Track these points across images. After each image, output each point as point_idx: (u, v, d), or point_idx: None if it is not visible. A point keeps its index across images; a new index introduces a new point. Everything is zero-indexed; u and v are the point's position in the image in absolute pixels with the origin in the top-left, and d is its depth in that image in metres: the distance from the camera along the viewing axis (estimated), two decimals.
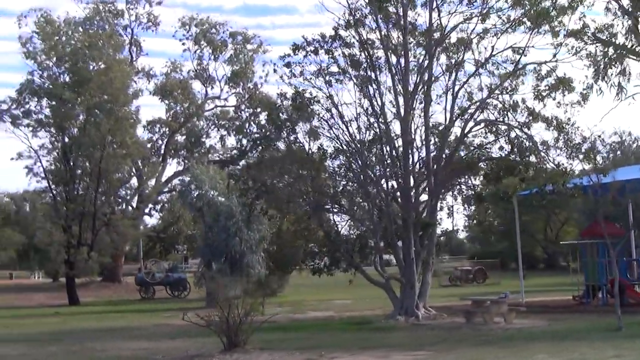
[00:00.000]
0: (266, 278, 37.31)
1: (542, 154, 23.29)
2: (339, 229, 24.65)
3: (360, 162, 24.72)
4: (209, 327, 14.94)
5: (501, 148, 24.71)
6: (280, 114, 24.73)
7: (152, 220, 55.03)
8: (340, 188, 24.39)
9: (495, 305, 20.87)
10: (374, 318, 23.91)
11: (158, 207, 50.93)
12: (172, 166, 49.69)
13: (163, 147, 49.14)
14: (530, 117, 23.85)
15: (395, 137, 24.69)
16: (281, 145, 25.66)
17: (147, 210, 49.87)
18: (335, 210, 24.78)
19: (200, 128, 50.62)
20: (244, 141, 25.50)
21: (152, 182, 48.19)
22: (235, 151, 25.96)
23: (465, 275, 46.60)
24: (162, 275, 41.80)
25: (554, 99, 23.79)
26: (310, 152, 24.88)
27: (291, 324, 23.88)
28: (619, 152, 40.69)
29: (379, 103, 24.58)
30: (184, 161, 49.00)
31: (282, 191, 25.02)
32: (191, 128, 49.53)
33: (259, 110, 40.89)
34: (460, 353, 13.62)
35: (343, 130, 24.88)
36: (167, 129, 48.66)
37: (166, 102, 48.13)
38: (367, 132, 24.80)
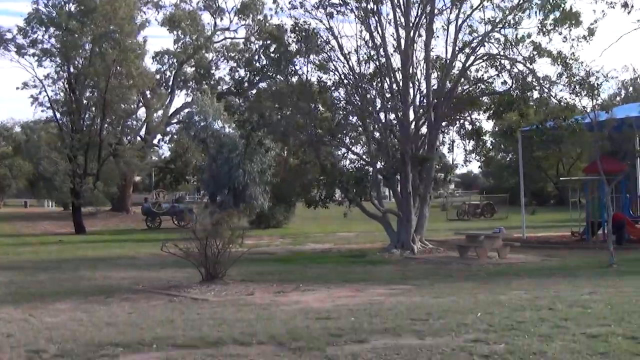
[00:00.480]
0: (269, 210, 37.44)
1: (545, 89, 22.76)
2: (336, 162, 24.35)
3: (359, 95, 24.31)
4: (187, 258, 14.84)
5: (504, 83, 24.20)
6: (281, 46, 24.21)
7: (162, 151, 54.93)
8: (337, 120, 23.98)
9: (489, 240, 20.69)
10: (370, 251, 23.86)
11: (167, 138, 50.83)
12: (181, 98, 49.37)
13: (171, 78, 48.71)
14: (535, 52, 23.20)
15: (395, 71, 24.17)
16: (281, 77, 25.24)
17: (155, 142, 49.85)
18: (332, 143, 24.45)
19: (210, 60, 50.04)
20: (242, 72, 25.15)
21: (160, 113, 47.98)
22: (232, 82, 25.32)
23: (473, 210, 46.47)
24: (168, 206, 41.94)
25: (560, 33, 23.16)
26: (309, 84, 24.45)
27: (286, 256, 23.90)
28: (631, 89, 39.85)
29: (380, 35, 24.04)
30: (192, 93, 48.58)
31: (280, 123, 24.73)
32: (200, 60, 48.97)
33: (269, 42, 40.26)
34: (438, 288, 13.46)
35: (343, 63, 24.43)
36: (176, 61, 48.14)
37: (175, 33, 47.51)
38: (367, 65, 24.30)
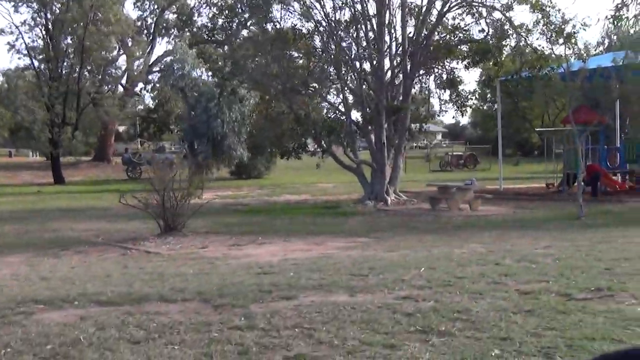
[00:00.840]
0: (250, 160, 37.19)
1: (522, 37, 22.35)
2: (309, 112, 23.98)
3: (334, 43, 23.85)
4: (146, 210, 14.63)
5: (482, 31, 23.76)
6: None
7: (146, 100, 54.25)
8: (311, 69, 23.55)
9: (460, 192, 20.52)
10: (344, 203, 23.69)
11: (149, 87, 50.17)
12: (163, 46, 48.56)
13: (153, 25, 47.90)
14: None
15: (370, 18, 23.68)
16: (256, 25, 24.72)
17: (137, 90, 49.22)
18: (306, 92, 24.05)
19: (192, 6, 49.09)
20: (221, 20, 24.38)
21: (142, 61, 47.25)
22: (204, 30, 24.74)
23: (456, 161, 46.33)
24: (147, 156, 41.55)
25: None
26: (283, 31, 23.95)
27: (259, 207, 23.77)
28: (614, 37, 39.26)
29: None
30: (174, 40, 47.77)
31: (254, 72, 24.29)
32: (182, 6, 48.03)
33: None
34: (398, 241, 13.32)
35: (318, 10, 23.93)
36: (157, 7, 47.25)
37: None
38: (342, 12, 23.82)
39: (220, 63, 24.20)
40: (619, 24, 9.08)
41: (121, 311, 6.63)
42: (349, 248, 12.21)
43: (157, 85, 48.45)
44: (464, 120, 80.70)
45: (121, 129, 65.99)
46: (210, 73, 27.27)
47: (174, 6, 47.70)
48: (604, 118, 25.39)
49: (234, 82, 24.41)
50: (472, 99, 24.58)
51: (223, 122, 33.35)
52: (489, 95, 54.56)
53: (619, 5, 8.09)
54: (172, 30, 48.77)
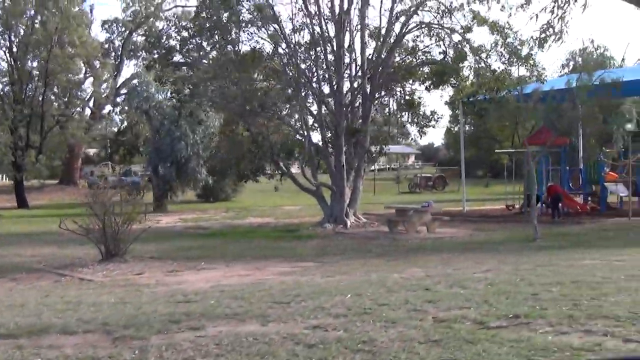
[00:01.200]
0: (217, 183, 36.87)
1: (480, 59, 22.33)
2: (268, 134, 23.72)
3: (294, 65, 23.70)
4: (87, 236, 14.27)
5: (443, 52, 23.72)
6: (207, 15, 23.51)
7: (116, 123, 53.77)
8: (267, 91, 23.33)
9: (417, 215, 20.35)
10: (305, 225, 23.49)
11: (118, 109, 49.77)
12: (131, 68, 48.25)
13: (120, 48, 47.59)
14: (474, 21, 22.75)
15: (330, 40, 23.58)
16: (215, 46, 24.54)
17: (105, 113, 48.77)
18: (264, 114, 23.80)
19: (160, 29, 48.85)
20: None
21: (109, 84, 46.88)
22: (162, 51, 24.47)
23: (425, 183, 46.26)
24: (115, 179, 41.13)
25: (498, 1, 22.72)
26: (241, 53, 23.80)
27: (218, 231, 23.48)
28: (579, 59, 39.52)
29: (315, 4, 23.45)
30: (142, 63, 47.40)
31: (213, 94, 24.07)
32: (150, 28, 47.80)
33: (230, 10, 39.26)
34: (342, 265, 13.08)
35: (278, 32, 23.77)
36: (124, 29, 46.97)
37: (122, 0, 46.34)
38: (301, 34, 23.71)
39: (178, 86, 23.81)
40: (545, 45, 8.97)
41: (12, 345, 6.30)
42: (289, 273, 11.94)
43: (123, 108, 48.11)
44: (438, 141, 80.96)
45: (92, 151, 65.43)
46: (169, 95, 26.92)
47: (142, 29, 47.45)
48: (565, 139, 25.37)
49: (192, 104, 24.12)
50: (434, 121, 24.37)
51: (187, 145, 33.05)
52: (460, 117, 54.72)
53: (544, 27, 7.97)
54: (141, 52, 48.42)
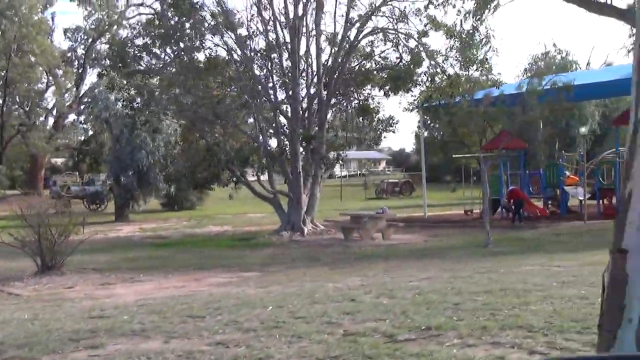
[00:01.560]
0: (179, 192, 36.47)
1: (436, 64, 22.19)
2: (222, 142, 23.40)
3: (250, 72, 23.43)
4: (22, 249, 13.87)
5: (400, 58, 23.54)
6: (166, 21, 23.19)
7: (81, 132, 53.07)
8: (221, 99, 23.01)
9: (372, 221, 20.13)
10: (262, 234, 23.20)
11: (82, 118, 49.08)
12: (94, 76, 47.60)
13: (83, 56, 46.98)
14: (430, 26, 22.61)
15: (286, 46, 23.34)
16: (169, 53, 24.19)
17: (69, 122, 48.17)
18: (218, 122, 23.48)
19: (124, 36, 48.34)
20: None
21: (72, 93, 46.30)
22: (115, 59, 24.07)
23: (391, 188, 46.08)
24: (77, 189, 40.59)
25: (454, 6, 22.60)
26: (195, 60, 23.49)
27: (174, 241, 23.22)
28: (541, 64, 39.64)
29: (270, 10, 23.23)
30: (106, 71, 46.79)
31: (168, 102, 23.73)
32: (113, 37, 47.25)
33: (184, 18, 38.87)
34: (283, 274, 12.83)
35: (233, 39, 23.50)
36: (86, 38, 46.41)
37: (84, 8, 45.71)
38: (256, 40, 23.46)
39: (131, 94, 23.45)
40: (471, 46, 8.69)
41: None
42: (224, 284, 11.66)
43: (86, 117, 47.47)
44: (409, 147, 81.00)
45: (59, 161, 64.63)
46: (121, 104, 26.53)
47: (105, 36, 46.87)
48: (523, 143, 25.36)
49: (145, 112, 23.77)
50: (391, 126, 24.17)
51: (147, 154, 32.62)
52: (430, 122, 54.66)
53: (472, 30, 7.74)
54: (104, 60, 47.85)
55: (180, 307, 8.63)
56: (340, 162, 23.84)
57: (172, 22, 23.32)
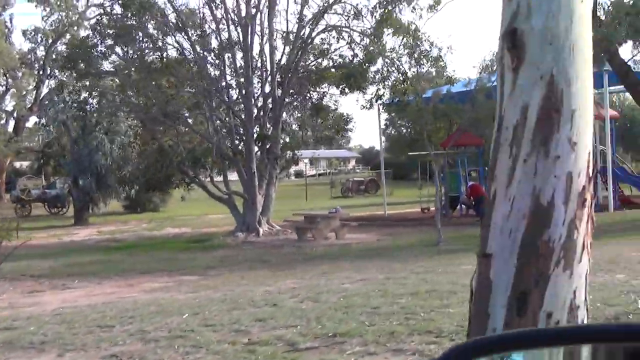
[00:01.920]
0: (139, 193, 35.90)
1: (390, 61, 22.00)
2: (175, 142, 23.01)
3: (202, 72, 23.07)
4: None
5: (355, 56, 23.30)
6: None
7: (44, 135, 52.22)
8: (169, 99, 22.61)
9: (325, 221, 19.87)
10: (218, 235, 22.88)
11: (43, 121, 48.24)
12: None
13: (43, 58, 46.21)
14: (386, 24, 22.41)
15: (237, 45, 23.02)
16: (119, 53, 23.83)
17: (30, 125, 47.42)
18: (169, 122, 23.07)
19: (85, 37, 47.68)
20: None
21: (33, 95, 45.56)
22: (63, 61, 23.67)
23: (356, 187, 45.84)
24: (38, 192, 39.94)
25: (409, 4, 22.47)
26: (146, 60, 23.13)
27: (129, 243, 22.87)
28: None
29: (222, 8, 22.91)
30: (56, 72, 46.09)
31: (120, 103, 23.34)
32: (73, 38, 46.56)
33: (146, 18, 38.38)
34: (224, 278, 12.55)
35: (185, 39, 23.16)
36: (44, 39, 45.62)
37: (42, 8, 44.94)
38: (206, 39, 23.07)
39: (81, 94, 23.05)
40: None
41: None
42: (157, 290, 11.35)
43: (47, 119, 46.68)
44: (378, 145, 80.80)
45: (25, 164, 63.67)
46: (73, 105, 26.06)
47: (65, 37, 46.16)
48: (479, 140, 25.28)
49: (97, 114, 23.37)
50: (345, 124, 23.94)
51: (106, 155, 32.08)
52: (397, 120, 54.52)
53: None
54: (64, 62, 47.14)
55: (94, 316, 8.31)
56: (297, 161, 23.53)
57: (123, 22, 22.90)
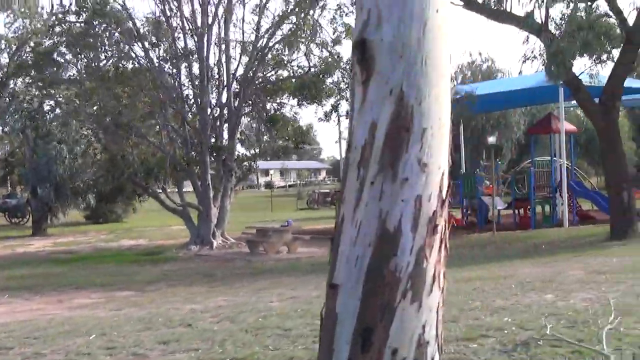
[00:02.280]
0: (100, 203, 35.42)
1: (346, 71, 21.78)
2: (130, 153, 22.59)
3: (158, 81, 22.72)
4: None
5: (314, 66, 23.06)
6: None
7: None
8: (121, 109, 22.23)
9: (277, 234, 19.56)
10: (171, 247, 22.55)
11: (6, 129, 47.51)
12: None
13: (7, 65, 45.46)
14: (344, 33, 22.24)
15: (192, 55, 22.71)
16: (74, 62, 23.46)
17: None
18: (125, 132, 22.68)
19: (51, 45, 47.08)
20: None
21: None
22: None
23: (322, 198, 45.59)
24: None
25: None
26: (102, 70, 22.77)
27: (80, 256, 22.45)
28: (469, 73, 39.66)
29: (177, 18, 22.62)
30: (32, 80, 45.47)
31: (72, 112, 22.90)
32: (38, 45, 45.92)
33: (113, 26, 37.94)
34: (160, 294, 12.21)
35: (140, 47, 22.82)
36: (6, 46, 44.88)
37: (5, 15, 44.23)
38: (160, 48, 22.75)
39: (33, 103, 22.61)
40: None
41: None
42: (85, 306, 10.99)
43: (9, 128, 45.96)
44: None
45: None
46: (22, 114, 25.57)
47: (29, 45, 45.50)
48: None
49: (51, 123, 22.93)
50: (305, 136, 23.68)
51: (63, 165, 31.53)
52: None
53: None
54: (31, 70, 46.48)
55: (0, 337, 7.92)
56: (255, 172, 23.21)
57: (76, 29, 22.54)
